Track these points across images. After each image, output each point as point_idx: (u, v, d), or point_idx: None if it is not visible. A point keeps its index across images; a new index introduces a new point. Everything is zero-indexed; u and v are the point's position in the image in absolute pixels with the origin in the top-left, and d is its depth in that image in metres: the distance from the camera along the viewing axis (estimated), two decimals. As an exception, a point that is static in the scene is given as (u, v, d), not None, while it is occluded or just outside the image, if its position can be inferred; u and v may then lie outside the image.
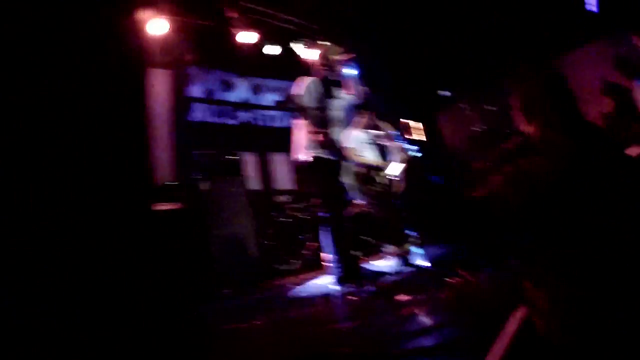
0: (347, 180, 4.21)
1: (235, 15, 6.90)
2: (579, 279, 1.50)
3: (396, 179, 6.65)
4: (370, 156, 6.21)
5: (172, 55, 6.65)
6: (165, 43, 6.35)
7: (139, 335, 2.12)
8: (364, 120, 6.43)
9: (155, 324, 2.24)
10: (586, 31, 7.85)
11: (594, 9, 6.17)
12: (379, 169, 5.89)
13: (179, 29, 6.49)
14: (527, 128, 1.88)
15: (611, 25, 6.56)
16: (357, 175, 4.79)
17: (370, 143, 6.27)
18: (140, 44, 2.71)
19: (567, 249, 1.55)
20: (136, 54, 2.52)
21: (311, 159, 3.98)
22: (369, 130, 6.17)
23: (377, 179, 6.29)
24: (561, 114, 1.79)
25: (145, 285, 2.30)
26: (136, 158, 2.40)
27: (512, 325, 1.56)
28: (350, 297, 3.50)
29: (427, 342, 1.99)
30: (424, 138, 9.84)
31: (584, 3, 6.17)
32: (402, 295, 2.96)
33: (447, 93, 6.27)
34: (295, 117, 4.08)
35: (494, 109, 6.64)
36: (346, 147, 5.68)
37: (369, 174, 6.28)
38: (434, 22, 8.81)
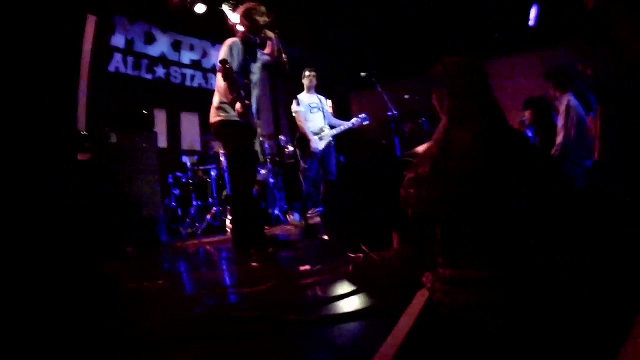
0: (255, 147, 4.16)
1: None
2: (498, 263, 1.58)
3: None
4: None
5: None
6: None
7: (38, 287, 2.12)
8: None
9: (55, 279, 2.23)
10: (521, 41, 8.33)
11: (532, 23, 6.53)
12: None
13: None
14: (444, 119, 1.87)
15: (545, 38, 6.95)
16: (262, 144, 4.69)
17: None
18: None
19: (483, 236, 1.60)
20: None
21: (226, 121, 3.90)
22: None
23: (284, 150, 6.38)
24: (476, 106, 1.79)
25: (50, 236, 2.31)
26: (65, 105, 2.38)
27: (415, 306, 1.59)
28: (251, 263, 3.54)
29: (326, 311, 2.06)
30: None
31: (527, 17, 6.49)
32: (302, 265, 3.04)
33: (364, 74, 6.37)
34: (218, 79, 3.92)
35: (408, 97, 6.94)
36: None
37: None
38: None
